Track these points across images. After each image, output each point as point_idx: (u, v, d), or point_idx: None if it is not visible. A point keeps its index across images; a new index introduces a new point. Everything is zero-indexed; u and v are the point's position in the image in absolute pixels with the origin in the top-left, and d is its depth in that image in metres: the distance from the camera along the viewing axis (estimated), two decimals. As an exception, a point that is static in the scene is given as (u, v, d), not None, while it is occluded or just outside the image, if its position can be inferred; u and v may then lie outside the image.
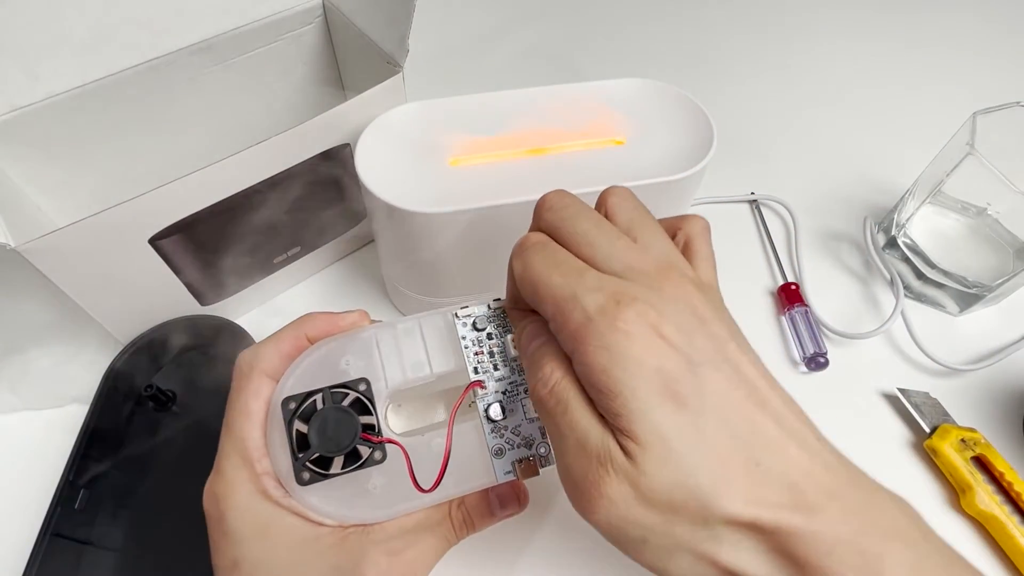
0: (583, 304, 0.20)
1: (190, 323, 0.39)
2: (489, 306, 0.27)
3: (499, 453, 0.25)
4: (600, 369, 0.19)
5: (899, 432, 0.39)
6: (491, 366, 0.26)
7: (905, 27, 0.67)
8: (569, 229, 0.23)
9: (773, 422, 0.21)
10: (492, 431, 0.25)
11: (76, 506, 0.33)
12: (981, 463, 0.36)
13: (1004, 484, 0.36)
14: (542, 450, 0.25)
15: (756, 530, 0.19)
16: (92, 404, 0.36)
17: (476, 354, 0.26)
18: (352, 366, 0.25)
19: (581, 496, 0.20)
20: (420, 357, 0.26)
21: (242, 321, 0.41)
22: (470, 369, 0.26)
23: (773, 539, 0.19)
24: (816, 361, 0.40)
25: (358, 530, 0.24)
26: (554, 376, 0.21)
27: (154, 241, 0.34)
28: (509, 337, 0.26)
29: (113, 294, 0.35)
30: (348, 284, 0.45)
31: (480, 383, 0.25)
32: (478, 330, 0.26)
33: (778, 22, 0.67)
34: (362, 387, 0.24)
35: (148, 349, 0.38)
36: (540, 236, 0.24)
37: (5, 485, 0.36)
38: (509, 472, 0.25)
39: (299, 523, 0.24)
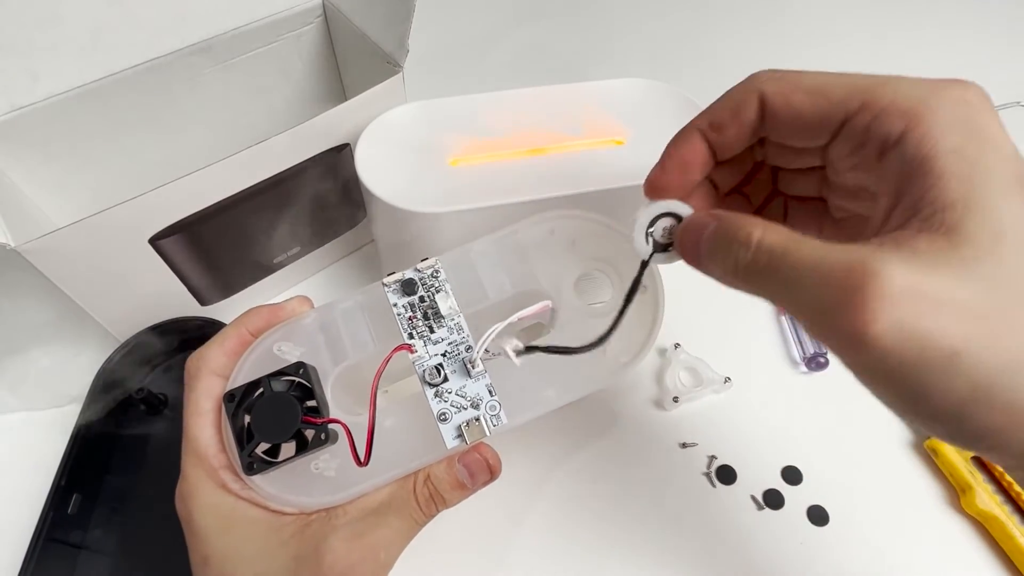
0: (903, 92, 0.19)
1: (180, 325, 0.39)
2: (417, 268, 0.26)
3: (444, 418, 0.24)
4: (944, 150, 0.17)
5: (899, 432, 0.39)
6: (426, 328, 0.26)
7: (906, 27, 0.67)
8: None
9: None
10: (435, 396, 0.25)
11: (69, 511, 0.33)
12: (981, 463, 0.36)
13: (1004, 484, 0.36)
14: (491, 409, 0.25)
15: None
16: (82, 409, 0.36)
17: (410, 319, 0.26)
18: (289, 353, 0.25)
19: (847, 308, 0.16)
20: (362, 333, 0.26)
21: (242, 321, 0.41)
22: (404, 336, 0.25)
23: None
24: (816, 361, 0.40)
25: (321, 516, 0.24)
26: (754, 234, 0.19)
27: (154, 241, 0.34)
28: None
29: (113, 294, 0.35)
30: (348, 284, 0.45)
31: (408, 346, 0.25)
32: (408, 294, 0.26)
33: (778, 21, 0.67)
34: (301, 371, 0.24)
35: (138, 352, 0.38)
36: None
37: (4, 486, 0.36)
38: (457, 437, 0.24)
39: (261, 514, 0.24)
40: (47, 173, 0.39)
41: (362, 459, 0.23)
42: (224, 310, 0.41)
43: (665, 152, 0.25)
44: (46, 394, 0.38)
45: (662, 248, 0.24)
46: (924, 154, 0.18)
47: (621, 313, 0.24)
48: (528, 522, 0.35)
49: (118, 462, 0.36)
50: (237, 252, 0.39)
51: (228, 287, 0.40)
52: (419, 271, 0.26)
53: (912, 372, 0.16)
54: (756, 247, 0.18)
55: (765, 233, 0.19)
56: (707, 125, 0.24)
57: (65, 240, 0.30)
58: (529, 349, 0.24)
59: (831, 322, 0.16)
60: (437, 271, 0.26)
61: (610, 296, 0.27)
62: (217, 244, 0.37)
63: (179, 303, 0.38)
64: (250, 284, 0.41)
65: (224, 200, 0.35)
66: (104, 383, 0.37)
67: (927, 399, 0.16)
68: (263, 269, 0.41)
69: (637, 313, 0.27)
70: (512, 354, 0.25)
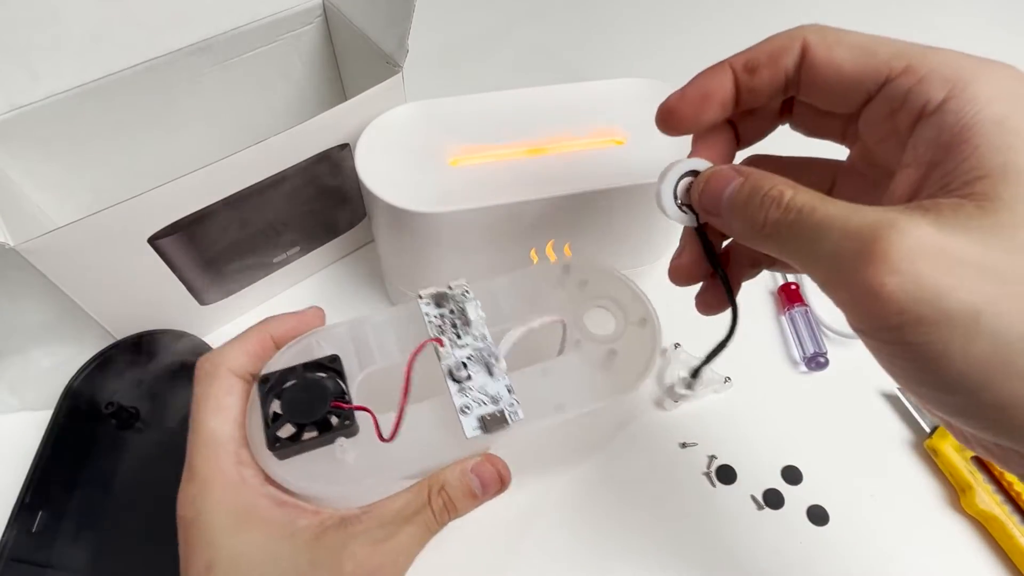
0: (949, 61, 0.18)
1: (151, 338, 0.38)
2: (450, 286, 0.28)
3: (465, 411, 0.26)
4: (986, 120, 0.16)
5: (899, 432, 0.39)
6: (454, 335, 0.27)
7: (905, 27, 0.67)
8: None
9: None
10: (458, 390, 0.26)
11: (33, 529, 0.32)
12: (981, 463, 0.36)
13: (1004, 484, 0.36)
14: (510, 406, 0.26)
15: None
16: (49, 424, 0.35)
17: (439, 328, 0.27)
18: (325, 349, 0.27)
19: (865, 258, 0.15)
20: (390, 343, 0.28)
21: (241, 320, 0.41)
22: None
23: None
24: (816, 361, 0.40)
25: (336, 524, 0.24)
26: (786, 193, 0.18)
27: (153, 240, 0.34)
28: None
29: (112, 293, 0.35)
30: (348, 284, 0.45)
31: (439, 339, 0.27)
32: (439, 306, 0.28)
33: (778, 22, 0.67)
34: (334, 363, 0.26)
35: (108, 366, 0.37)
36: None
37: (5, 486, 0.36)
38: (478, 427, 0.25)
39: (278, 515, 0.23)
40: (47, 172, 0.39)
41: (388, 436, 0.24)
42: (223, 309, 0.41)
43: (690, 81, 0.24)
44: (46, 394, 0.38)
45: (693, 211, 0.24)
46: (964, 123, 0.17)
47: (732, 299, 0.26)
48: (532, 521, 0.35)
49: (88, 478, 0.35)
50: (237, 252, 0.39)
51: (227, 286, 0.40)
52: (451, 288, 0.29)
53: (930, 331, 0.15)
54: (787, 205, 0.18)
55: (796, 192, 0.19)
56: (742, 64, 0.23)
57: (65, 240, 0.30)
58: (694, 375, 0.32)
59: (848, 274, 0.16)
60: (467, 290, 0.29)
61: (613, 329, 0.30)
62: (216, 244, 0.37)
63: (178, 302, 0.38)
64: (250, 284, 0.41)
65: (224, 200, 0.35)
66: (72, 397, 0.36)
67: (945, 362, 0.15)
68: (263, 268, 0.41)
69: (639, 341, 0.29)
70: (685, 389, 0.38)
